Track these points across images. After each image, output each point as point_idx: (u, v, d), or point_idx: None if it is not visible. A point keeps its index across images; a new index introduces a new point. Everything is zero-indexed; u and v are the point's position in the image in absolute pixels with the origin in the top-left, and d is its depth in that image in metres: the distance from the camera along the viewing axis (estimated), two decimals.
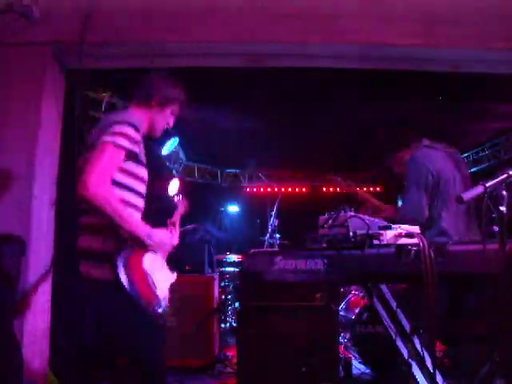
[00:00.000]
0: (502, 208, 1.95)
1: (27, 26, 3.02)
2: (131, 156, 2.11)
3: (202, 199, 7.03)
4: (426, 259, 2.26)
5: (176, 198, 2.60)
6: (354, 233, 2.53)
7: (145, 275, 2.06)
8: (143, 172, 2.21)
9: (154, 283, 2.09)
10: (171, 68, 3.71)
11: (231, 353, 4.45)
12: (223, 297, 5.12)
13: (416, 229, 2.53)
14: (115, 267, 1.97)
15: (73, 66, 3.49)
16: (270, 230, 5.37)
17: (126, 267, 1.99)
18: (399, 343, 2.82)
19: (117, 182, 2.09)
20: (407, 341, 2.85)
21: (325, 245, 2.67)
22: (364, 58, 3.54)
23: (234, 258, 5.77)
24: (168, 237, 2.25)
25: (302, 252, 2.74)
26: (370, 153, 6.97)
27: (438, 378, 2.60)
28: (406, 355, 2.77)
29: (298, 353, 2.97)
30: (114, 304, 2.05)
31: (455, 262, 2.27)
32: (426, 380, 2.65)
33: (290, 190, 8.89)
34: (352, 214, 2.67)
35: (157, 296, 2.09)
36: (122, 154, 2.07)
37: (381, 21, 3.32)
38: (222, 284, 5.20)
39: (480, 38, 3.32)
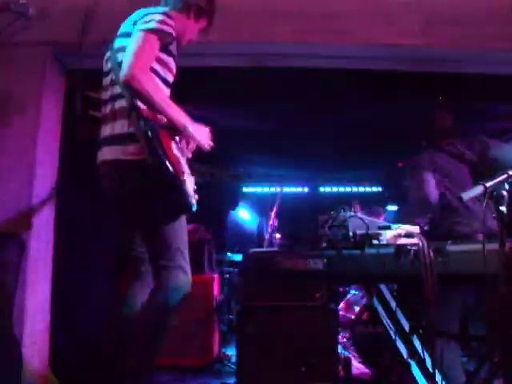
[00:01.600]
0: (502, 208, 1.95)
1: (27, 26, 3.02)
2: (166, 44, 2.16)
3: (202, 199, 7.03)
4: (426, 259, 2.27)
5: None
6: (354, 233, 2.54)
7: (179, 158, 2.10)
8: (172, 64, 2.26)
9: (185, 171, 2.11)
10: None
11: (231, 352, 4.45)
12: (223, 296, 5.12)
13: (416, 229, 2.53)
14: (152, 143, 1.96)
15: (73, 66, 3.49)
16: (269, 229, 5.38)
17: (162, 144, 1.99)
18: (399, 343, 2.82)
19: (154, 70, 2.13)
20: (407, 341, 2.85)
21: (325, 245, 2.68)
22: (364, 58, 3.54)
23: (233, 257, 5.77)
24: (203, 133, 2.29)
25: (302, 252, 2.74)
26: (370, 153, 6.99)
27: (438, 377, 2.61)
28: (405, 355, 2.78)
29: (298, 353, 2.97)
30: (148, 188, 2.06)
31: (455, 262, 2.28)
32: (426, 380, 2.66)
33: (289, 190, 8.89)
34: (352, 214, 2.67)
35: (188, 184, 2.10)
36: (159, 38, 2.11)
37: (381, 21, 3.32)
38: (222, 284, 5.20)
39: (480, 38, 3.32)
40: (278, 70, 3.76)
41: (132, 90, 2.01)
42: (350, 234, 2.54)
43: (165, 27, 2.12)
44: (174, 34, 2.17)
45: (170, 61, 2.23)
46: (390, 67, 3.68)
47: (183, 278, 2.28)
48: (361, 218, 2.63)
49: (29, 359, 2.96)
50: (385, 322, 2.92)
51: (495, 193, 1.97)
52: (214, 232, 4.99)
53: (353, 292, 4.51)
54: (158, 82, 2.11)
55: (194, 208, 2.16)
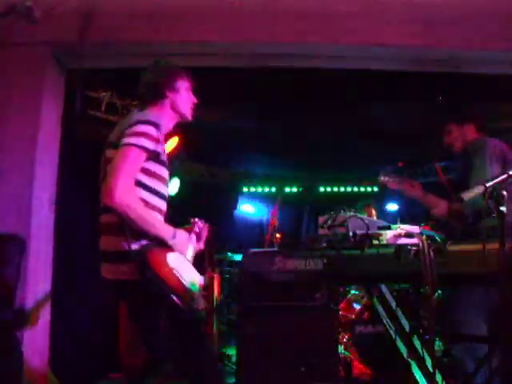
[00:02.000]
0: (502, 208, 1.95)
1: (27, 26, 3.02)
2: (153, 156, 2.07)
3: (202, 199, 7.03)
4: (426, 259, 2.26)
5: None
6: (354, 233, 2.53)
7: (172, 271, 2.02)
8: (164, 172, 2.15)
9: (183, 280, 2.05)
10: None
11: (231, 352, 4.45)
12: (223, 296, 5.12)
13: (416, 229, 2.53)
14: (142, 264, 1.96)
15: (73, 65, 3.49)
16: (269, 229, 5.37)
17: (151, 263, 1.97)
18: (399, 343, 2.82)
19: (139, 183, 2.06)
20: (407, 340, 2.85)
21: (324, 245, 2.67)
22: (364, 58, 3.54)
23: (233, 257, 5.77)
24: (190, 238, 2.24)
25: (302, 252, 2.74)
26: (370, 153, 6.99)
27: (438, 377, 2.60)
28: (405, 355, 2.78)
29: (298, 353, 2.97)
30: (148, 303, 2.04)
31: (455, 262, 2.28)
32: (426, 380, 2.66)
33: (289, 190, 8.88)
34: (352, 214, 2.67)
35: (189, 291, 2.04)
36: (144, 155, 2.03)
37: (381, 21, 3.32)
38: (222, 284, 5.20)
39: (480, 38, 3.32)
40: (278, 70, 3.76)
41: (115, 211, 1.98)
42: (350, 234, 2.54)
43: (150, 144, 2.04)
44: (159, 149, 2.09)
45: (162, 170, 2.13)
46: (390, 67, 3.68)
47: None
48: (361, 218, 2.63)
49: (29, 359, 2.96)
50: (385, 321, 2.92)
51: (495, 193, 1.96)
52: (213, 232, 4.99)
53: (353, 292, 4.51)
54: (138, 201, 2.02)
55: (201, 315, 2.13)
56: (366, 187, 9.06)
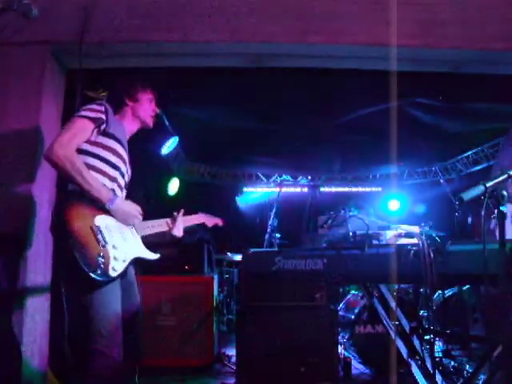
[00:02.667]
0: (503, 208, 1.95)
1: (27, 26, 3.01)
2: (100, 128, 2.33)
3: (202, 199, 7.03)
4: (426, 259, 2.26)
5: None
6: (354, 233, 2.53)
7: (89, 228, 2.14)
8: (115, 145, 2.38)
9: (102, 241, 2.14)
10: (171, 68, 3.71)
11: (231, 352, 4.45)
12: (222, 296, 5.12)
13: (415, 229, 2.53)
14: (56, 210, 2.23)
15: (73, 65, 3.49)
16: (269, 229, 5.37)
17: (66, 212, 2.15)
18: (399, 343, 2.82)
19: (86, 151, 2.30)
20: (407, 341, 2.85)
21: (325, 245, 2.67)
22: (364, 59, 3.54)
23: (233, 257, 5.77)
24: (133, 209, 2.35)
25: (302, 252, 2.74)
26: (370, 153, 6.99)
27: (438, 377, 2.60)
28: (405, 355, 2.78)
29: (298, 353, 2.97)
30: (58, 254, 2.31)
31: (455, 262, 2.27)
32: (426, 380, 2.66)
33: (289, 190, 8.88)
34: (352, 214, 2.67)
35: (100, 252, 2.11)
36: (86, 122, 2.29)
37: (381, 21, 3.32)
38: (222, 284, 5.20)
39: (480, 38, 3.32)
40: (278, 70, 3.76)
41: (50, 163, 2.23)
42: (350, 234, 2.54)
43: (92, 113, 2.32)
44: (102, 117, 2.33)
45: (112, 143, 2.37)
46: (390, 68, 3.68)
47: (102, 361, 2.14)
48: (361, 218, 2.63)
49: (29, 359, 2.96)
50: (385, 322, 2.92)
51: (495, 193, 1.96)
52: (213, 232, 4.99)
53: (353, 292, 4.51)
54: (78, 159, 2.24)
55: (99, 279, 2.09)
56: (365, 187, 9.07)
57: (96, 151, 2.32)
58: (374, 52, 3.44)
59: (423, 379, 2.68)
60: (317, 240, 2.76)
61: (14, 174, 3.17)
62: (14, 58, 3.28)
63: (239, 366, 3.11)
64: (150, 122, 2.65)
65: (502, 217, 1.95)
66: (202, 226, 4.86)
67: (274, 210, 5.36)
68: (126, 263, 2.21)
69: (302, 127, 6.01)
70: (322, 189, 9.01)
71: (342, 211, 2.70)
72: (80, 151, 2.28)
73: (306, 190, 9.01)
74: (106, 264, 2.10)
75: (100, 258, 2.08)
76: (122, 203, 2.30)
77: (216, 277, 4.64)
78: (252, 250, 3.08)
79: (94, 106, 2.35)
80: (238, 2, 3.32)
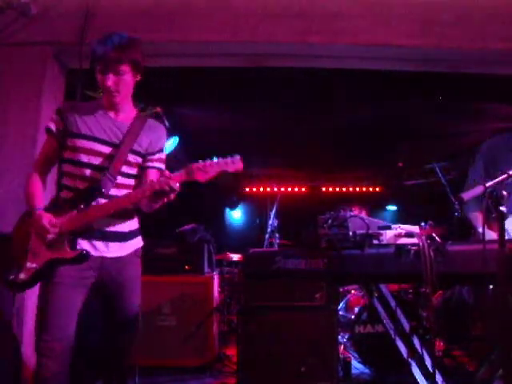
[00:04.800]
0: (502, 208, 1.95)
1: (27, 26, 3.02)
2: (64, 133, 2.23)
3: (202, 199, 7.04)
4: (426, 259, 2.26)
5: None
6: (354, 233, 2.53)
7: (27, 234, 2.16)
8: (83, 143, 2.21)
9: (27, 245, 2.14)
10: (171, 68, 3.72)
11: (231, 352, 4.45)
12: (223, 296, 5.12)
13: (415, 229, 2.53)
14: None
15: (73, 65, 3.49)
16: (269, 229, 5.37)
17: (19, 220, 2.23)
18: (399, 343, 2.82)
19: (62, 159, 2.25)
20: (407, 340, 2.85)
21: (325, 245, 2.67)
22: (364, 58, 3.54)
23: (233, 257, 5.77)
24: (41, 227, 2.13)
25: (302, 252, 2.74)
26: (369, 152, 6.99)
27: (438, 377, 2.61)
28: (405, 355, 2.78)
29: (298, 353, 2.97)
30: None
31: (455, 262, 2.28)
32: (426, 380, 2.66)
33: (289, 190, 8.89)
34: (352, 214, 2.67)
35: (18, 256, 2.13)
36: (46, 135, 2.27)
37: (381, 21, 3.33)
38: (222, 284, 5.20)
39: (480, 39, 3.32)
40: (278, 70, 3.77)
41: None
42: (350, 233, 2.54)
43: (48, 124, 2.28)
44: (50, 126, 2.26)
45: (80, 142, 2.22)
46: (390, 67, 3.68)
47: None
48: (361, 218, 2.63)
49: (29, 358, 2.96)
50: (385, 322, 2.92)
51: (495, 193, 1.97)
52: (213, 232, 4.99)
53: (353, 292, 4.51)
54: (31, 174, 2.26)
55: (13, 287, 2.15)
56: (366, 187, 9.07)
57: (64, 156, 2.24)
58: (374, 52, 3.44)
59: (423, 379, 2.68)
60: (317, 240, 2.76)
61: (14, 174, 3.17)
62: (15, 58, 3.28)
63: (239, 366, 3.11)
64: (105, 93, 2.26)
65: (502, 217, 1.95)
66: (203, 224, 4.85)
67: (274, 211, 5.37)
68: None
69: (302, 127, 6.01)
70: (322, 189, 9.02)
71: (342, 211, 2.71)
72: (60, 161, 2.27)
73: (306, 189, 9.02)
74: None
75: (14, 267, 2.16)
76: (36, 215, 2.15)
77: (216, 277, 4.64)
78: (252, 249, 3.08)
79: (53, 116, 2.29)
80: (238, 2, 3.32)
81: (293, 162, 7.74)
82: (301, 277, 2.79)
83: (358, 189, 9.07)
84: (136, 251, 2.33)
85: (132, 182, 2.31)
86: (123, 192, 2.24)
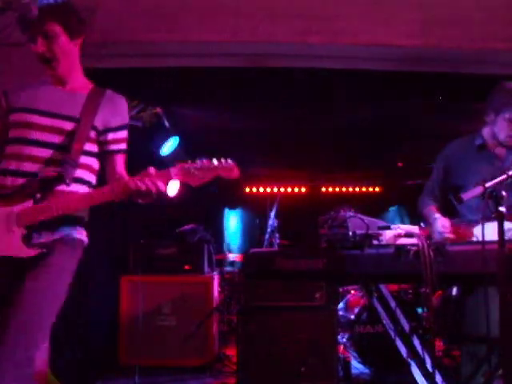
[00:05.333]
0: (502, 208, 1.95)
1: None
2: (5, 113, 1.99)
3: (202, 199, 7.02)
4: (426, 259, 2.26)
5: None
6: (354, 233, 2.53)
7: None
8: (26, 116, 1.94)
9: None
10: (171, 68, 3.72)
11: (231, 352, 4.46)
12: (223, 296, 5.12)
13: (415, 229, 2.53)
14: None
15: None
16: (269, 229, 5.38)
17: None
18: (398, 343, 2.82)
19: (8, 139, 1.97)
20: (406, 340, 2.85)
21: (324, 245, 2.67)
22: (364, 59, 3.54)
23: (233, 257, 5.78)
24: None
25: (302, 252, 2.74)
26: (369, 152, 6.99)
27: (438, 377, 2.60)
28: (405, 355, 2.78)
29: (298, 353, 2.98)
30: None
31: (455, 262, 2.28)
32: (426, 380, 2.65)
33: (289, 190, 8.89)
34: (352, 214, 2.67)
35: None
36: None
37: (381, 21, 3.33)
38: (222, 284, 5.21)
39: (480, 39, 3.32)
40: (278, 70, 3.76)
41: None
42: (350, 234, 2.54)
43: None
44: None
45: (22, 116, 1.96)
46: (390, 67, 3.68)
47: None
48: (361, 218, 2.63)
49: None
50: (385, 322, 2.92)
51: (494, 193, 1.97)
52: (213, 232, 5.00)
53: (353, 292, 4.52)
54: None
55: None
56: (366, 187, 9.07)
57: (9, 135, 1.95)
58: (374, 52, 3.44)
59: (423, 379, 2.68)
60: (317, 240, 2.76)
61: None
62: (14, 58, 3.28)
63: (239, 366, 3.12)
64: (47, 69, 2.09)
65: (501, 217, 1.95)
66: (203, 225, 4.86)
67: (273, 211, 5.37)
68: None
69: (302, 127, 6.01)
70: (322, 189, 9.01)
71: (342, 211, 2.71)
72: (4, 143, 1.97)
73: (306, 189, 9.01)
74: None
75: None
76: None
77: (216, 277, 4.65)
78: (252, 249, 3.08)
79: None
80: (239, 2, 3.32)
81: (293, 162, 7.73)
82: (301, 277, 2.79)
83: (358, 189, 9.06)
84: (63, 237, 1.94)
85: (94, 161, 2.04)
86: (86, 175, 1.98)
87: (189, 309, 4.20)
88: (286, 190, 8.82)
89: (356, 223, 2.60)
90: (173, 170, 1.88)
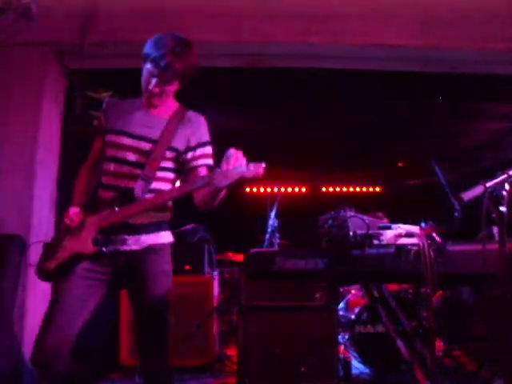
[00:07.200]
0: (502, 208, 1.95)
1: (27, 26, 3.02)
2: (102, 131, 2.25)
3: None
4: (426, 259, 2.27)
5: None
6: (354, 233, 2.54)
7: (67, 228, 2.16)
8: (121, 138, 2.18)
9: (64, 240, 2.15)
10: None
11: (231, 352, 4.45)
12: (223, 296, 5.12)
13: (416, 229, 2.53)
14: None
15: (73, 65, 3.49)
16: (269, 229, 5.37)
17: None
18: (399, 343, 2.82)
19: (107, 157, 2.23)
20: (407, 340, 2.85)
21: (325, 245, 2.68)
22: (364, 59, 3.54)
23: (233, 257, 5.77)
24: (68, 214, 2.18)
25: (302, 252, 2.74)
26: (369, 152, 7.00)
27: (438, 377, 2.61)
28: (405, 355, 2.78)
29: (298, 353, 2.97)
30: None
31: (455, 262, 2.28)
32: (426, 380, 2.66)
33: (289, 190, 8.89)
34: (352, 214, 2.67)
35: (58, 247, 2.15)
36: (98, 135, 2.28)
37: (381, 21, 3.33)
38: (222, 284, 5.20)
39: (480, 39, 3.32)
40: (279, 70, 3.77)
41: None
42: (351, 233, 2.54)
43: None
44: (100, 121, 2.27)
45: (118, 138, 2.19)
46: (389, 68, 3.69)
47: None
48: (361, 218, 2.63)
49: (29, 358, 2.96)
50: (385, 322, 2.92)
51: (495, 193, 1.97)
52: (214, 232, 4.99)
53: (353, 292, 4.52)
54: (79, 173, 2.34)
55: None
56: (366, 187, 9.07)
57: (111, 154, 2.20)
58: (374, 52, 3.44)
59: (423, 379, 2.69)
60: (317, 240, 2.76)
61: (14, 174, 3.18)
62: (15, 58, 3.28)
63: (239, 366, 3.11)
64: (146, 96, 2.23)
65: (502, 217, 1.95)
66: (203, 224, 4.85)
67: (274, 211, 5.37)
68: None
69: (302, 127, 6.01)
70: (322, 189, 9.02)
71: (342, 211, 2.71)
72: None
73: (306, 189, 9.02)
74: None
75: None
76: (68, 210, 2.22)
77: (216, 277, 4.65)
78: (252, 249, 3.08)
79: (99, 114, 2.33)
80: (239, 2, 3.32)
81: (293, 162, 7.73)
82: (301, 277, 2.79)
83: (357, 189, 9.06)
84: (151, 246, 2.18)
85: (171, 175, 2.23)
86: (163, 186, 2.19)
87: (189, 309, 4.19)
88: (286, 189, 8.82)
89: (356, 223, 2.61)
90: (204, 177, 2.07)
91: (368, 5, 3.35)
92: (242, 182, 2.03)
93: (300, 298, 3.08)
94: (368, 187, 9.10)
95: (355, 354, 3.92)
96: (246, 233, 5.96)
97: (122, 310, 4.18)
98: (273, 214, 5.36)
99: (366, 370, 3.91)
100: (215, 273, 4.67)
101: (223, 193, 2.10)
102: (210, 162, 2.26)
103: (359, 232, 2.54)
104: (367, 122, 5.70)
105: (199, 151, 2.24)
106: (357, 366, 3.98)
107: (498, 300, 1.97)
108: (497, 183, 2.00)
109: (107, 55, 3.46)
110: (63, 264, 2.13)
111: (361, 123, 5.73)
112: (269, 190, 8.78)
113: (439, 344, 3.93)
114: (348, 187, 9.06)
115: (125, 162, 2.17)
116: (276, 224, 5.35)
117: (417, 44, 3.34)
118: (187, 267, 4.43)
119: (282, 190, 8.78)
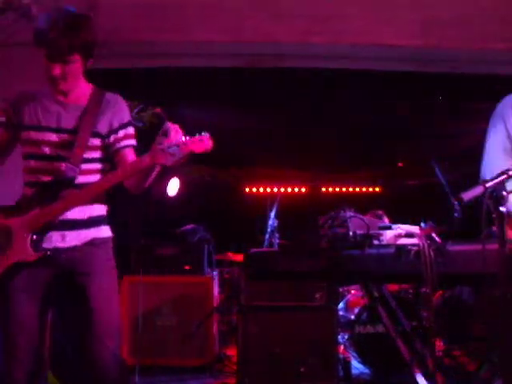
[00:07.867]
0: (502, 208, 1.95)
1: (27, 26, 3.02)
2: (9, 125, 2.10)
3: (202, 199, 7.04)
4: (426, 259, 2.27)
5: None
6: (354, 233, 2.54)
7: None
8: (34, 134, 2.06)
9: None
10: (171, 68, 3.72)
11: (231, 352, 4.46)
12: (223, 296, 5.12)
13: (416, 229, 2.53)
14: None
15: None
16: (269, 230, 5.37)
17: None
18: (399, 343, 2.82)
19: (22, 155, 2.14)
20: (407, 340, 2.85)
21: (325, 245, 2.68)
22: (365, 59, 3.54)
23: (233, 257, 5.77)
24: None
25: (302, 252, 2.75)
26: (369, 152, 7.00)
27: (438, 377, 2.61)
28: (405, 355, 2.78)
29: (298, 353, 2.98)
30: None
31: (455, 262, 2.28)
32: (426, 380, 2.66)
33: (289, 190, 8.88)
34: (352, 214, 2.67)
35: None
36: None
37: (381, 21, 3.33)
38: (222, 284, 5.21)
39: (480, 39, 3.32)
40: (280, 70, 3.77)
41: None
42: (350, 233, 2.55)
43: None
44: (8, 114, 2.09)
45: (30, 134, 2.06)
46: (390, 68, 3.69)
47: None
48: (361, 218, 2.64)
49: None
50: (385, 322, 2.92)
51: (495, 193, 1.97)
52: (213, 232, 4.99)
53: (353, 292, 4.52)
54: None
55: None
56: (366, 187, 9.07)
57: (24, 150, 2.10)
58: (375, 52, 3.45)
59: (423, 379, 2.69)
60: (317, 240, 2.76)
61: (14, 175, 3.17)
62: (15, 58, 3.28)
63: (239, 365, 3.12)
64: (51, 83, 2.12)
65: (502, 217, 1.95)
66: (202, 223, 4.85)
67: (273, 211, 5.37)
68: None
69: (303, 127, 6.01)
70: (322, 189, 9.01)
71: (342, 211, 2.71)
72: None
73: (306, 189, 9.01)
74: None
75: None
76: None
77: (216, 277, 4.65)
78: (252, 249, 3.09)
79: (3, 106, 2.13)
80: (240, 2, 3.32)
81: (293, 162, 7.73)
82: (301, 277, 2.79)
83: (357, 189, 9.06)
84: (93, 240, 2.04)
85: (98, 166, 2.10)
86: (91, 178, 2.04)
87: (189, 309, 4.20)
88: (286, 190, 8.81)
89: (356, 223, 2.61)
90: (145, 157, 1.95)
91: (368, 5, 3.34)
92: (191, 158, 2.00)
93: (300, 297, 3.09)
94: (368, 187, 9.09)
95: (355, 354, 3.92)
96: (245, 233, 5.96)
97: (121, 310, 4.18)
98: (273, 214, 5.36)
99: (366, 370, 3.91)
100: (215, 273, 4.68)
101: (155, 172, 2.01)
102: (133, 142, 2.14)
103: (359, 232, 2.54)
104: (367, 122, 5.70)
105: (121, 132, 2.11)
106: (357, 366, 3.98)
107: (498, 300, 1.97)
108: (497, 183, 2.00)
109: (107, 55, 3.46)
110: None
111: (361, 123, 5.73)
112: (268, 190, 8.77)
113: (439, 344, 3.93)
114: (348, 187, 9.06)
115: (44, 157, 2.04)
116: (276, 224, 5.35)
117: (417, 44, 3.34)
118: (187, 267, 4.43)
119: (282, 190, 8.77)
